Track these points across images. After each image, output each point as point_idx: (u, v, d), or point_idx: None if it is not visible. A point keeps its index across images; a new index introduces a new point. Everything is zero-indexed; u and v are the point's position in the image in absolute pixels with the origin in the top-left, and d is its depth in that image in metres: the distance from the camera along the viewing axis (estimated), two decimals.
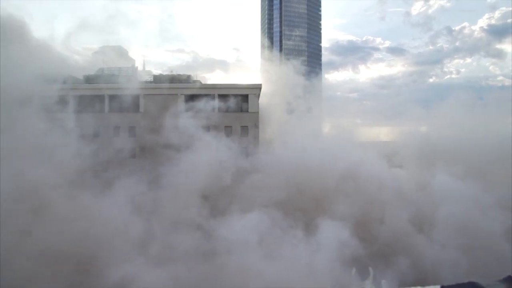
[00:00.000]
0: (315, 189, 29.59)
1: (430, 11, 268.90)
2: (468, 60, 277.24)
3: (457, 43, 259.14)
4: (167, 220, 25.55)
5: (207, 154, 28.98)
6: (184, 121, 31.91)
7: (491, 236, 25.14)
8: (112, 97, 36.82)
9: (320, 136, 41.36)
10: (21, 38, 30.06)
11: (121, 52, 49.16)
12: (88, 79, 39.52)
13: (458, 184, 28.69)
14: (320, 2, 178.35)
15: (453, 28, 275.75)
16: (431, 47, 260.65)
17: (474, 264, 23.82)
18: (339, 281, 19.93)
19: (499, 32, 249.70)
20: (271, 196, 27.84)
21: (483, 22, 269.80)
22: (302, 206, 28.25)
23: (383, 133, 51.83)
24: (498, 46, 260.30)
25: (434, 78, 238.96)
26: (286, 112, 43.57)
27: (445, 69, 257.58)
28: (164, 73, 42.70)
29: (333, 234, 22.52)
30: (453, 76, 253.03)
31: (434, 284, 18.61)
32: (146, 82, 40.74)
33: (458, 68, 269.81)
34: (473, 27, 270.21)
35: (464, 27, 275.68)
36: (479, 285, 15.00)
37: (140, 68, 45.31)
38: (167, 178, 28.28)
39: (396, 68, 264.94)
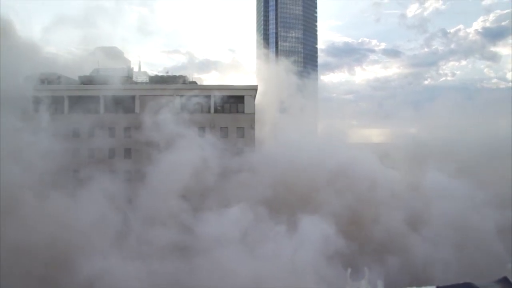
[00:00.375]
0: (305, 187, 29.72)
1: (425, 14, 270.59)
2: (463, 62, 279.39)
3: (452, 46, 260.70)
4: (149, 217, 26.12)
5: (195, 154, 29.19)
6: (178, 122, 31.93)
7: (485, 235, 25.30)
8: (108, 98, 36.64)
9: (313, 136, 41.49)
10: (7, 37, 30.12)
11: (116, 53, 48.96)
12: (83, 80, 39.33)
13: (452, 182, 28.91)
14: (316, 4, 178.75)
15: (448, 31, 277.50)
16: (426, 49, 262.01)
17: (468, 263, 23.94)
18: (334, 282, 19.98)
19: (493, 34, 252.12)
20: (257, 193, 27.95)
21: (478, 24, 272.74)
22: (290, 204, 28.30)
23: (376, 134, 52.15)
24: (493, 48, 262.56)
25: (429, 80, 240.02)
26: (281, 113, 43.62)
27: (440, 71, 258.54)
28: (160, 74, 42.65)
29: (314, 229, 22.79)
30: (448, 78, 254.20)
31: (430, 285, 18.61)
32: (142, 83, 40.62)
33: (453, 70, 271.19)
34: (468, 30, 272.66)
35: (459, 30, 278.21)
36: (474, 286, 14.91)
37: (135, 69, 45.17)
38: (153, 177, 28.74)
39: (391, 70, 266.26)
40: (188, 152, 28.89)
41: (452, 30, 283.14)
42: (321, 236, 22.22)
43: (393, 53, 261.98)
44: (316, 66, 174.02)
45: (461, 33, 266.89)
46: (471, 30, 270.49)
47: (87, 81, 38.85)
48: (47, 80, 38.55)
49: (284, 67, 47.74)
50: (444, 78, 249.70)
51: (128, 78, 40.82)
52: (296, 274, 20.27)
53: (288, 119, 41.69)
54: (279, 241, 22.76)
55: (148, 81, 40.87)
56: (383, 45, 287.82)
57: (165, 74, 42.00)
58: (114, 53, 47.04)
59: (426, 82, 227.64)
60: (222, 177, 29.80)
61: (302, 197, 29.04)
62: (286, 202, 28.58)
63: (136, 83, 40.99)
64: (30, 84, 30.93)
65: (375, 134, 52.32)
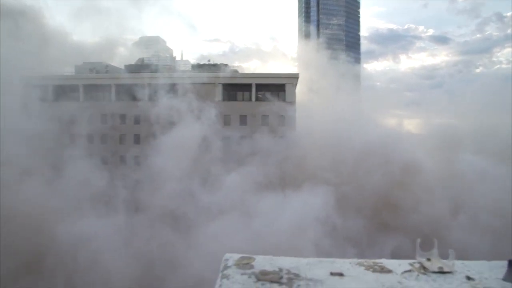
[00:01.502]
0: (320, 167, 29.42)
1: None
2: None
3: (509, 31, 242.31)
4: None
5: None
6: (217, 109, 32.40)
7: None
8: (151, 86, 37.56)
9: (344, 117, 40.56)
10: (37, 26, 31.96)
11: (160, 42, 50.14)
12: (129, 69, 40.59)
13: (492, 166, 27.47)
14: None
15: (504, 15, 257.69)
16: (478, 35, 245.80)
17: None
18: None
19: None
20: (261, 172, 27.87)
21: None
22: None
23: (417, 124, 49.90)
24: None
25: (481, 68, 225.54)
26: (321, 101, 42.76)
27: (494, 59, 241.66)
28: (202, 63, 43.10)
29: (301, 200, 23.16)
30: (503, 66, 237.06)
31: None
32: (184, 71, 41.31)
33: (508, 57, 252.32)
34: None
35: None
36: None
37: (178, 57, 46.05)
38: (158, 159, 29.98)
39: (439, 57, 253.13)
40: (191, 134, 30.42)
41: (508, 14, 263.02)
42: (309, 207, 22.51)
43: (441, 39, 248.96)
44: (359, 54, 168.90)
45: None
46: None
47: (133, 69, 40.06)
48: (95, 69, 40.27)
49: (326, 55, 46.69)
50: (498, 66, 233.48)
51: (171, 66, 41.68)
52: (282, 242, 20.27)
53: (328, 106, 40.77)
54: (268, 209, 23.18)
55: (190, 69, 41.49)
56: (430, 32, 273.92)
57: (206, 63, 42.43)
58: (157, 42, 48.22)
59: (477, 70, 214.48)
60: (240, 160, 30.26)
61: (312, 175, 28.61)
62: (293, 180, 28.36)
63: (179, 71, 41.76)
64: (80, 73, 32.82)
65: (416, 124, 49.95)
